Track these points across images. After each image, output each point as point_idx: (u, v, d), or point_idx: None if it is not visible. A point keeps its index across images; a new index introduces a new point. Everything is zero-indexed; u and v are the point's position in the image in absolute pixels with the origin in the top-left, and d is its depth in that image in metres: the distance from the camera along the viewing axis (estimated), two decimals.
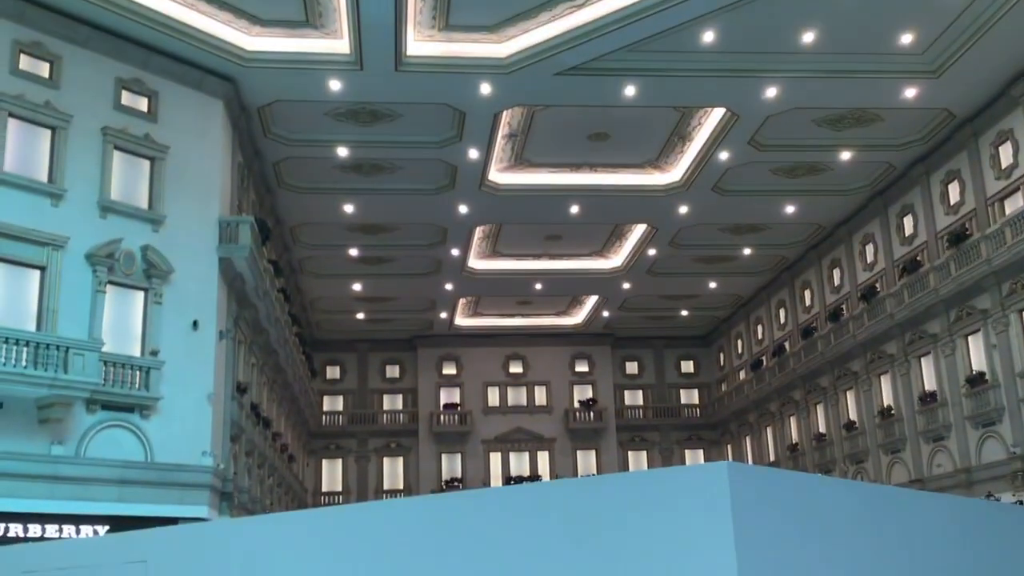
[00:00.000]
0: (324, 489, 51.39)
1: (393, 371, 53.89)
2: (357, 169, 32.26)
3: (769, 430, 47.25)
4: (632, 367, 55.64)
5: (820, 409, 41.33)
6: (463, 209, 35.56)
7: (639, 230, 39.26)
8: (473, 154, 31.33)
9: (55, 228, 21.79)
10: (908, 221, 34.35)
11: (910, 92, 28.24)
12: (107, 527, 20.65)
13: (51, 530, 20.47)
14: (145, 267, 23.51)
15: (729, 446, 53.09)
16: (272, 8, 24.32)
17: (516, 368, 53.88)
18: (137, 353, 23.10)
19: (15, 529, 20.08)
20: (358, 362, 53.52)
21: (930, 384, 32.68)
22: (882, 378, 35.97)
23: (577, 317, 51.82)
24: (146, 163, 24.35)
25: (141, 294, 23.50)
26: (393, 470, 52.30)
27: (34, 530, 20.25)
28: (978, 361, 30.09)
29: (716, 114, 29.91)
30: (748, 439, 50.17)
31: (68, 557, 4.35)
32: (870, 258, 37.06)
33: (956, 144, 31.01)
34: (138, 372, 22.83)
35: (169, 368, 23.27)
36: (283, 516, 3.65)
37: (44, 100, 22.21)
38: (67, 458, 21.12)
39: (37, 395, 20.29)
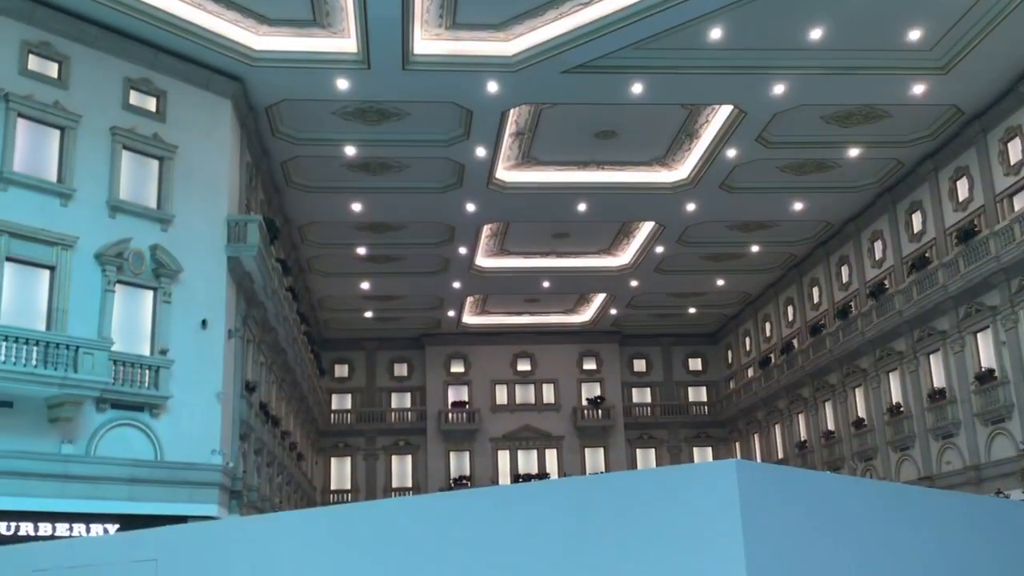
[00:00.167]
0: (333, 487, 51.48)
1: (401, 369, 53.94)
2: (365, 168, 32.30)
3: (778, 428, 47.17)
4: (640, 365, 55.60)
5: (829, 406, 41.25)
6: (471, 207, 35.57)
7: (647, 228, 39.22)
8: (480, 152, 31.34)
9: (65, 228, 21.88)
10: (917, 218, 34.25)
11: (918, 88, 28.15)
12: (117, 526, 20.73)
13: (61, 529, 20.56)
14: (154, 266, 23.58)
15: (738, 444, 53.03)
16: (279, 7, 24.36)
17: (524, 366, 53.89)
18: (146, 352, 23.17)
19: (26, 528, 20.16)
20: (366, 360, 53.59)
21: (939, 381, 32.58)
22: (891, 375, 35.88)
23: (585, 315, 51.80)
24: (155, 163, 24.42)
25: (150, 293, 23.58)
26: (402, 468, 52.37)
27: (44, 529, 20.33)
28: (987, 358, 30.00)
29: (723, 111, 29.86)
30: (757, 437, 50.09)
31: (78, 556, 4.37)
32: (879, 255, 36.96)
33: (965, 140, 30.90)
34: (147, 371, 22.90)
35: (178, 367, 23.34)
36: (292, 514, 3.66)
37: (53, 100, 22.29)
38: (77, 457, 21.20)
39: (47, 394, 20.37)
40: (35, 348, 20.00)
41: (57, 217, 21.85)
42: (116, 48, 23.71)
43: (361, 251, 39.71)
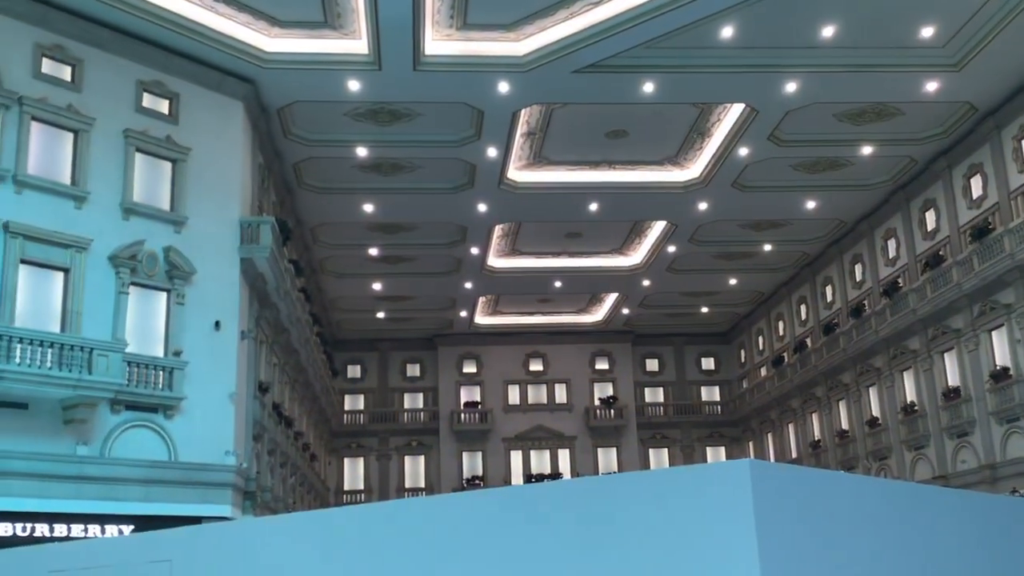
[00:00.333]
0: (346, 488, 51.59)
1: (414, 370, 54.01)
2: (376, 169, 32.36)
3: (791, 427, 47.03)
4: (652, 364, 55.51)
5: (842, 406, 41.10)
6: (482, 208, 35.59)
7: (658, 227, 39.17)
8: (492, 153, 31.35)
9: (78, 230, 21.99)
10: (930, 216, 34.09)
11: (931, 85, 28.02)
12: (132, 527, 20.81)
13: (77, 530, 20.65)
14: (167, 268, 23.68)
15: (751, 443, 52.88)
16: (291, 9, 24.43)
17: (536, 366, 53.88)
18: (160, 353, 23.27)
19: (41, 529, 20.27)
20: (379, 361, 53.69)
21: (953, 380, 32.43)
22: (905, 374, 35.72)
23: (597, 315, 51.76)
24: (168, 165, 24.52)
25: (164, 295, 23.68)
26: (414, 468, 52.43)
27: (60, 530, 20.43)
28: (1002, 356, 29.83)
29: (735, 110, 29.79)
30: (770, 436, 49.95)
31: (94, 557, 4.39)
32: (892, 253, 36.80)
33: (978, 138, 30.74)
34: (161, 372, 23.00)
35: (192, 368, 23.43)
36: (306, 515, 3.67)
37: (67, 103, 22.41)
38: (92, 458, 21.31)
39: (62, 396, 20.48)
40: (50, 350, 20.11)
41: (71, 219, 21.97)
42: (129, 51, 23.82)
43: (373, 252, 39.78)
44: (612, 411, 53.16)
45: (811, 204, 36.63)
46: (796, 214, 37.56)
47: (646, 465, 52.52)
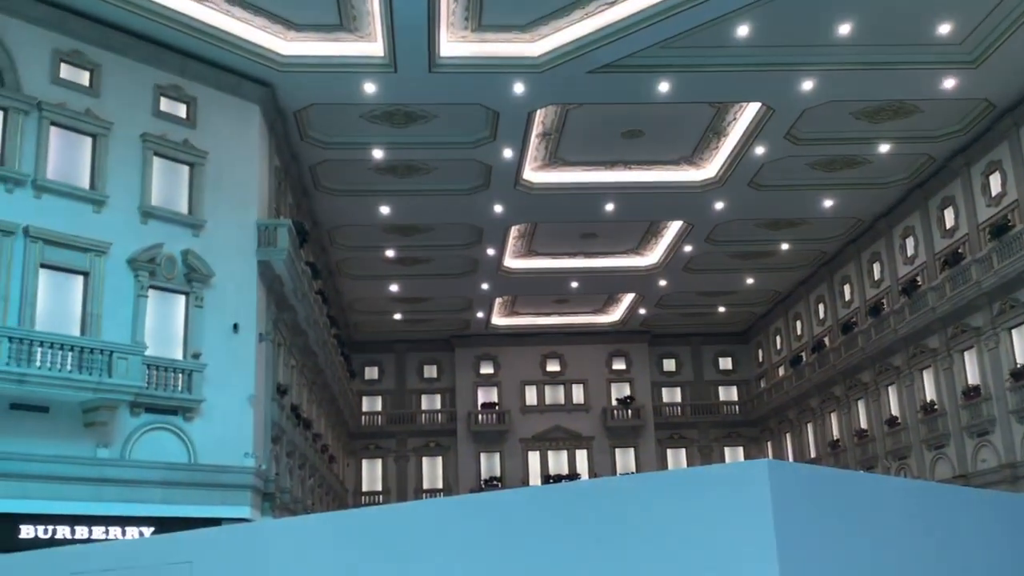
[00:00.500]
0: (364, 489, 51.70)
1: (431, 371, 54.09)
2: (392, 171, 32.43)
3: (810, 427, 46.81)
4: (669, 364, 55.40)
5: (861, 405, 40.87)
6: (498, 209, 35.61)
7: (675, 227, 39.08)
8: (507, 154, 31.37)
9: (98, 234, 22.15)
10: (949, 213, 33.87)
11: (949, 83, 27.84)
12: (152, 528, 20.94)
13: (97, 532, 20.79)
14: (186, 271, 23.81)
15: (769, 443, 52.66)
16: (307, 13, 24.52)
17: (553, 367, 53.85)
18: (179, 356, 23.40)
19: (63, 531, 20.41)
20: (396, 363, 53.79)
21: (973, 378, 32.20)
22: (924, 373, 35.49)
23: (614, 315, 51.68)
24: (185, 168, 24.66)
25: (182, 298, 23.81)
26: (432, 470, 52.50)
27: (81, 532, 20.57)
28: (1023, 354, 29.59)
29: (751, 109, 29.69)
30: (788, 436, 49.74)
31: (115, 558, 4.43)
32: (910, 251, 36.58)
33: (997, 135, 30.52)
34: (180, 375, 23.12)
35: (211, 371, 23.54)
36: (325, 516, 3.69)
37: (85, 108, 22.57)
38: (112, 460, 21.45)
39: (82, 399, 20.63)
40: (70, 353, 20.26)
41: (90, 223, 22.12)
42: (146, 56, 23.98)
43: (390, 254, 39.87)
44: (629, 411, 53.07)
45: (828, 203, 36.46)
46: (813, 213, 37.40)
47: (664, 465, 52.41)
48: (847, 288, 42.26)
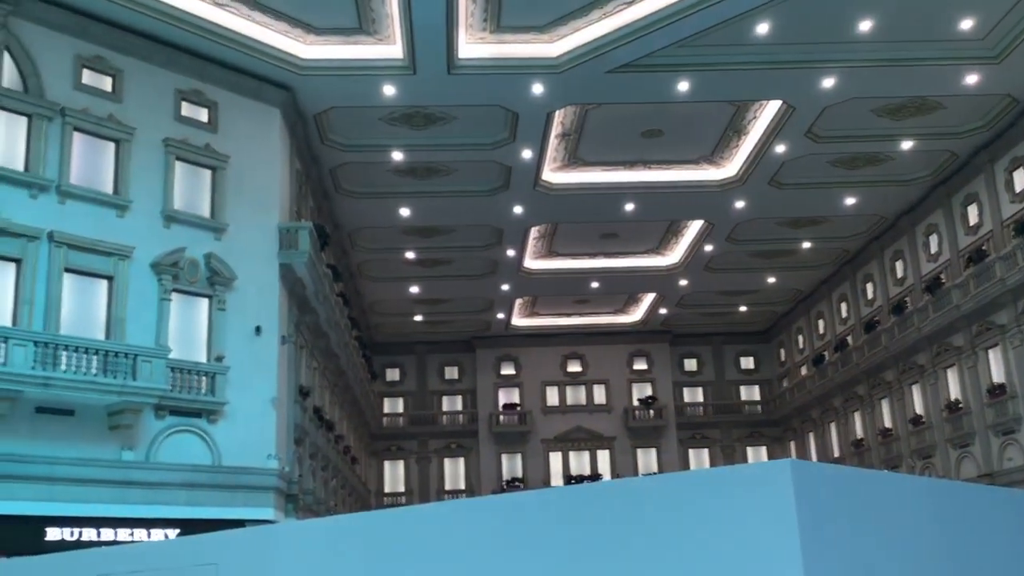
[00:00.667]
0: (387, 490, 51.84)
1: (452, 372, 54.16)
2: (412, 172, 32.50)
3: (833, 426, 46.53)
4: (691, 364, 55.23)
5: (885, 404, 40.59)
6: (518, 210, 35.62)
7: (695, 226, 38.96)
8: (527, 154, 31.37)
9: (121, 238, 22.33)
10: (972, 210, 33.58)
11: (971, 78, 27.60)
12: (178, 530, 21.08)
13: (123, 534, 20.95)
14: (209, 275, 23.96)
15: (792, 443, 52.39)
16: (326, 16, 24.62)
17: (574, 367, 53.80)
18: (203, 359, 23.55)
19: (89, 534, 20.58)
20: (417, 364, 53.90)
21: (998, 376, 31.90)
22: (949, 371, 35.21)
23: (634, 315, 51.58)
24: (207, 173, 24.82)
25: (205, 301, 23.97)
26: (454, 471, 52.57)
27: (107, 534, 20.73)
28: None
29: (772, 107, 29.55)
30: (812, 435, 49.46)
31: (140, 560, 4.46)
32: (934, 249, 36.29)
33: (1020, 130, 30.23)
34: (204, 378, 23.27)
35: (234, 373, 23.68)
36: (349, 517, 3.71)
37: (107, 113, 22.76)
38: (137, 463, 21.61)
39: (107, 402, 20.80)
40: (95, 357, 20.43)
41: (114, 228, 22.31)
42: (168, 61, 24.16)
43: (410, 255, 39.96)
44: (651, 411, 52.94)
45: (850, 200, 36.24)
46: (835, 211, 37.18)
47: (686, 465, 52.24)
48: (870, 286, 41.99)
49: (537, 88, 27.18)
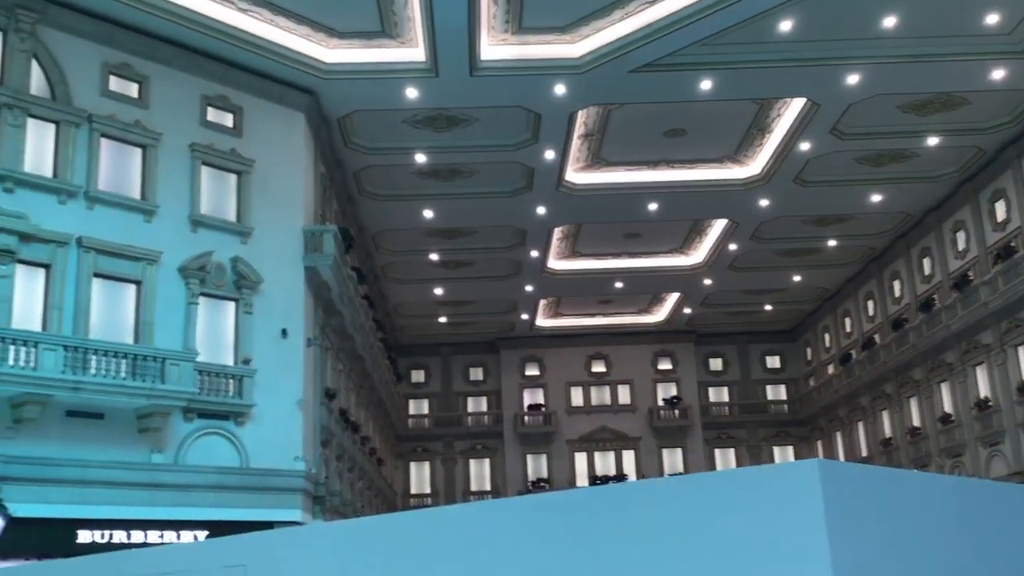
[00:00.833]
0: (413, 492, 51.98)
1: (476, 373, 54.23)
2: (435, 174, 32.60)
3: (861, 425, 46.18)
4: (716, 364, 54.99)
5: (914, 402, 40.24)
6: (541, 210, 35.63)
7: (719, 225, 38.80)
8: (549, 155, 31.37)
9: (149, 243, 22.55)
10: (1000, 206, 33.22)
11: (998, 73, 27.33)
12: (207, 532, 21.23)
13: (152, 536, 21.13)
14: (235, 278, 24.14)
15: (819, 442, 52.03)
16: (349, 20, 24.75)
17: (599, 367, 53.72)
18: (230, 362, 23.73)
19: (119, 536, 20.78)
20: (442, 365, 54.00)
21: None
22: (978, 369, 34.86)
23: (659, 315, 51.44)
24: (233, 177, 25.01)
25: (232, 304, 24.15)
26: (480, 472, 52.63)
27: (136, 536, 20.92)
28: None
29: (796, 104, 29.38)
30: (839, 435, 49.11)
31: (170, 562, 4.50)
32: (961, 246, 35.95)
33: None
34: (231, 380, 23.45)
35: (261, 376, 23.84)
36: (377, 519, 3.72)
37: (134, 119, 22.99)
38: (166, 466, 21.81)
39: (136, 405, 21.00)
40: (124, 361, 20.64)
41: (141, 233, 22.53)
42: (193, 66, 24.37)
43: (434, 257, 40.06)
44: (676, 411, 52.76)
45: (876, 198, 35.97)
46: (861, 208, 36.92)
47: (712, 466, 52.02)
48: (897, 284, 41.65)
49: (559, 89, 27.18)
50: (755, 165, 33.56)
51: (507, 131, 29.88)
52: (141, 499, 21.04)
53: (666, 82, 27.13)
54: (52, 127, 21.59)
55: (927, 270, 38.81)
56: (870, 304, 44.62)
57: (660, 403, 53.12)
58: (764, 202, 35.58)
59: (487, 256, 40.25)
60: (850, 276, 45.37)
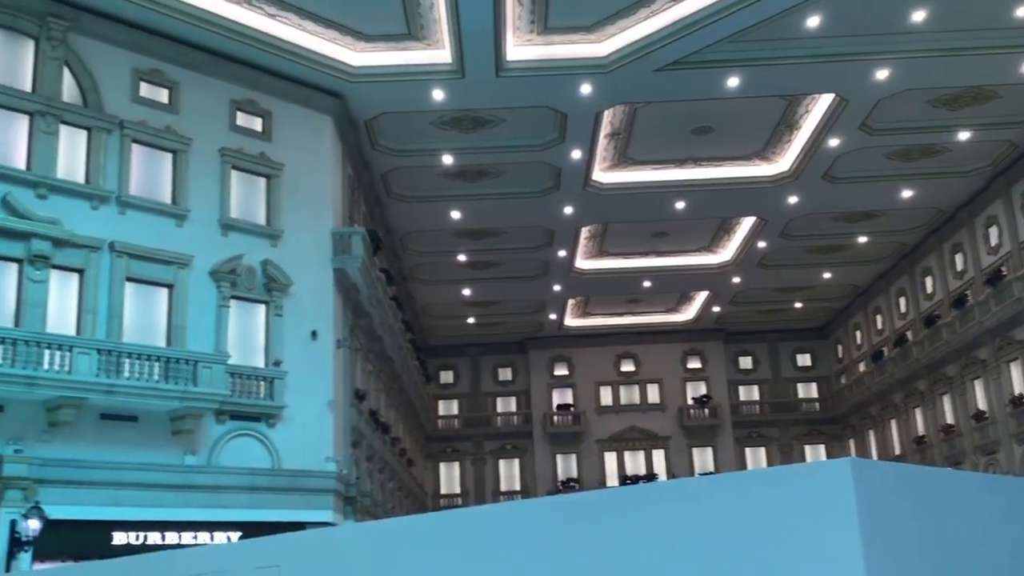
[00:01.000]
0: (443, 492, 52.09)
1: (505, 374, 54.25)
2: (462, 175, 32.66)
3: (893, 423, 45.75)
4: (746, 362, 54.67)
5: (947, 399, 39.80)
6: (568, 210, 35.60)
7: (748, 223, 38.58)
8: (576, 155, 31.34)
9: (180, 247, 22.79)
10: None
11: None
12: (240, 533, 21.41)
13: (187, 537, 21.34)
14: (265, 281, 24.34)
15: (852, 440, 51.58)
16: (376, 23, 24.86)
17: (628, 367, 53.58)
18: (261, 364, 23.92)
19: (153, 537, 21.00)
20: (470, 366, 54.07)
21: None
22: (1012, 365, 34.41)
23: (687, 313, 51.22)
24: (262, 181, 25.22)
25: (262, 307, 24.35)
26: (509, 472, 52.64)
27: (170, 538, 21.12)
28: None
29: (824, 100, 29.17)
30: (872, 433, 48.66)
31: (205, 563, 4.55)
32: (994, 241, 35.50)
33: None
34: (263, 382, 23.64)
35: (291, 377, 24.01)
36: (409, 519, 3.75)
37: (165, 125, 23.24)
38: (199, 467, 22.02)
39: (169, 408, 21.22)
40: (157, 364, 20.87)
41: (173, 237, 22.77)
42: (222, 72, 24.59)
43: (461, 258, 40.13)
44: (706, 410, 52.52)
45: (907, 193, 35.62)
46: (891, 204, 36.57)
47: (743, 465, 51.72)
48: (929, 280, 41.21)
49: (585, 88, 27.16)
50: (783, 162, 33.35)
51: (533, 131, 29.89)
52: (175, 501, 21.25)
53: (692, 80, 27.03)
54: (84, 133, 21.87)
55: (959, 266, 38.37)
56: (902, 301, 44.18)
57: (690, 402, 52.90)
58: (793, 199, 35.34)
59: (515, 256, 40.27)
60: (881, 272, 44.95)
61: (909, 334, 42.87)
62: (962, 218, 37.36)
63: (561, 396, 53.31)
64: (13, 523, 18.48)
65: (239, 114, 25.01)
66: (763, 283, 45.43)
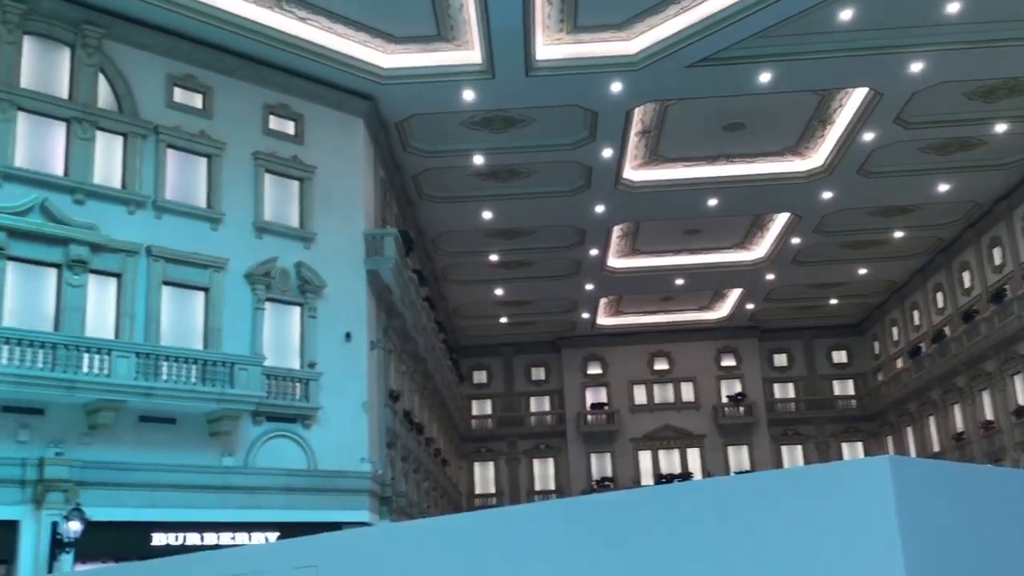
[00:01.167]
0: (477, 492, 52.18)
1: (538, 373, 54.25)
2: (493, 175, 32.70)
3: (932, 419, 45.18)
4: (781, 359, 54.26)
5: (986, 395, 39.25)
6: (599, 209, 35.52)
7: (781, 219, 38.28)
8: (607, 153, 31.27)
9: (215, 251, 23.03)
10: None
11: None
12: (278, 534, 21.59)
13: (225, 538, 21.55)
14: (299, 283, 24.53)
15: (889, 438, 51.02)
16: (406, 25, 24.96)
17: (661, 365, 53.38)
18: (296, 366, 24.11)
19: (192, 538, 21.23)
20: (503, 366, 54.13)
21: None
22: None
23: (721, 311, 50.93)
24: (295, 184, 25.42)
25: (297, 309, 24.55)
26: (544, 471, 52.64)
27: (209, 538, 21.35)
28: None
29: (858, 94, 28.87)
30: (910, 430, 48.10)
31: (244, 563, 4.59)
32: None
33: None
34: (298, 384, 23.82)
35: (326, 379, 24.18)
36: (444, 519, 3.76)
37: (199, 130, 23.49)
38: (237, 468, 22.23)
39: (207, 410, 21.45)
40: (194, 366, 21.11)
41: (208, 241, 23.01)
42: (255, 76, 24.81)
43: (493, 258, 40.18)
44: (741, 408, 52.20)
45: (943, 187, 35.17)
46: (927, 198, 36.13)
47: (779, 463, 51.33)
48: (967, 275, 40.66)
49: (616, 86, 27.08)
50: (817, 157, 33.05)
51: (564, 130, 29.86)
52: (213, 502, 21.46)
53: (723, 76, 26.86)
54: (120, 139, 22.16)
55: (998, 260, 37.82)
56: (939, 296, 43.63)
57: (724, 400, 52.60)
58: (827, 194, 35.01)
59: (547, 256, 40.25)
60: (918, 268, 44.42)
61: (947, 330, 42.33)
62: (1000, 211, 36.83)
63: (595, 395, 53.23)
64: (55, 525, 18.77)
65: (272, 118, 25.23)
66: (797, 280, 45.06)
